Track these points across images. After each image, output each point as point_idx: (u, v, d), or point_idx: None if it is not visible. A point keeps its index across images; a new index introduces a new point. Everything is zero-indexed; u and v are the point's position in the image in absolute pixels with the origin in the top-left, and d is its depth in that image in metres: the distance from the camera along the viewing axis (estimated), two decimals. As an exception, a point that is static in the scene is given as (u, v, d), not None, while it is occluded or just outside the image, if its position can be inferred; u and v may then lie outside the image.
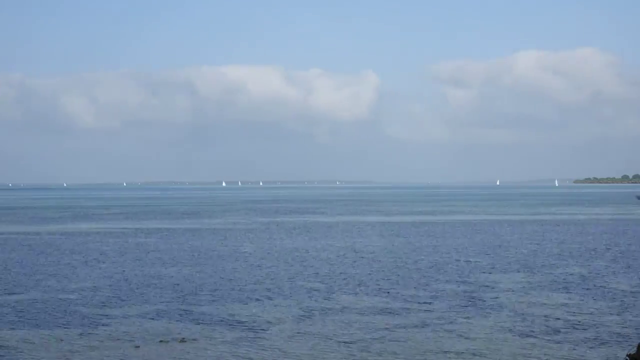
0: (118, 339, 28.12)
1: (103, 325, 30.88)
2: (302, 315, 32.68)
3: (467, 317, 31.99)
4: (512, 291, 38.97)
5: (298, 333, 29.21)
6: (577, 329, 29.62)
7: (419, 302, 35.74)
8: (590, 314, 32.67)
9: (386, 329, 29.82)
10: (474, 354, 25.86)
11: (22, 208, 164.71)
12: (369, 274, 46.16)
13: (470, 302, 35.61)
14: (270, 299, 37.08)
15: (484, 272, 46.47)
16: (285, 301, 36.31)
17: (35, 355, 26.13)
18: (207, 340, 28.11)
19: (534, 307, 34.25)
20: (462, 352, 26.09)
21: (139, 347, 27.03)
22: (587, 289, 39.44)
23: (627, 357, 22.36)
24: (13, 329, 30.34)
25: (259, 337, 28.54)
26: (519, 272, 46.77)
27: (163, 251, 61.35)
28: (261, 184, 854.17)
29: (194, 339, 28.04)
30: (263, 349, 26.74)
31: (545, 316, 32.17)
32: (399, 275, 45.47)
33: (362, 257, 55.53)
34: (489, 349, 26.57)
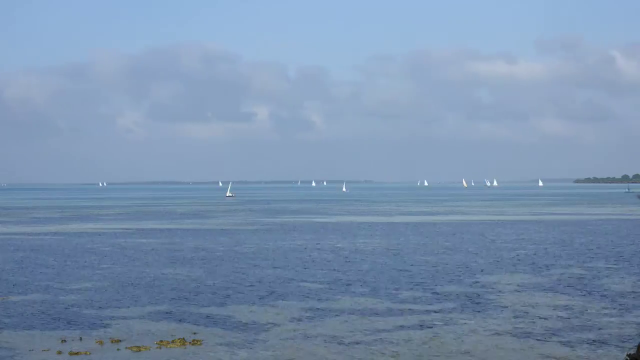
0: (118, 340, 28.12)
1: (103, 326, 30.89)
2: (302, 316, 32.68)
3: (468, 318, 31.99)
4: (512, 292, 38.97)
5: (298, 334, 29.21)
6: (577, 329, 29.62)
7: (418, 303, 35.74)
8: (591, 314, 32.67)
9: (387, 329, 29.82)
10: (474, 355, 25.86)
11: None
12: (370, 274, 46.17)
13: (470, 303, 35.61)
14: (270, 299, 37.08)
15: (483, 273, 46.47)
16: (286, 302, 36.31)
17: (36, 356, 26.14)
18: (208, 341, 28.11)
19: (534, 308, 34.25)
20: (463, 353, 26.09)
21: (139, 348, 27.03)
22: (588, 289, 39.45)
23: (627, 357, 22.37)
24: (13, 329, 30.35)
25: (260, 338, 28.54)
26: (519, 272, 46.77)
27: (163, 252, 61.36)
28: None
29: (194, 340, 28.04)
30: (263, 350, 26.74)
31: (546, 316, 32.17)
32: (398, 275, 45.48)
33: (363, 257, 55.57)
34: (489, 349, 26.58)
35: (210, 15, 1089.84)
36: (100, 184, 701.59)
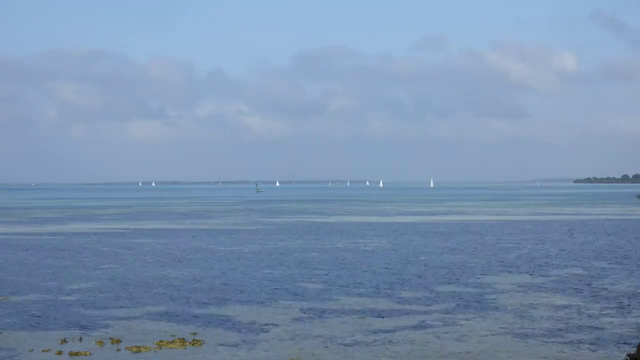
0: (118, 340, 28.11)
1: (103, 326, 30.89)
2: (302, 316, 32.68)
3: (467, 318, 32.00)
4: (512, 292, 38.98)
5: (298, 334, 29.21)
6: (577, 329, 29.62)
7: (418, 304, 35.75)
8: (591, 314, 32.67)
9: (387, 329, 29.83)
10: (473, 355, 25.85)
11: None
12: (370, 274, 46.18)
13: (470, 303, 35.61)
14: (270, 299, 37.08)
15: (483, 273, 46.48)
16: (286, 302, 36.31)
17: (36, 356, 26.14)
18: (208, 341, 28.11)
19: (533, 308, 34.26)
20: (462, 353, 26.09)
21: (139, 348, 27.03)
22: (587, 289, 39.44)
23: (627, 357, 22.39)
24: (13, 329, 30.35)
25: (260, 338, 28.55)
26: (518, 272, 46.78)
27: (163, 252, 61.38)
28: None
29: (194, 340, 28.04)
30: (263, 350, 26.74)
31: (546, 316, 32.17)
32: (398, 275, 45.49)
33: (363, 258, 55.58)
34: (489, 349, 26.58)
35: (96, 15, 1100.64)
36: (140, 183, 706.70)
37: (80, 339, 28.44)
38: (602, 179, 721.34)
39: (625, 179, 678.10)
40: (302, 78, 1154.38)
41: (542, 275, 45.11)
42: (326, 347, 27.10)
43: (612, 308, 34.07)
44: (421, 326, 30.41)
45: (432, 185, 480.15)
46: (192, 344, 27.55)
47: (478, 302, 35.94)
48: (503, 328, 29.94)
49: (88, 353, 26.34)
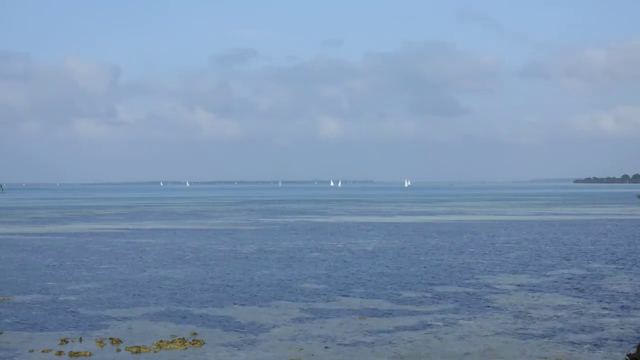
0: (118, 340, 28.12)
1: (103, 326, 30.89)
2: (302, 317, 32.69)
3: (467, 318, 32.00)
4: (512, 292, 38.99)
5: (298, 334, 29.22)
6: (577, 329, 29.63)
7: (418, 304, 35.76)
8: (591, 314, 32.68)
9: (387, 329, 29.84)
10: (474, 355, 25.86)
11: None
12: (370, 274, 46.19)
13: (470, 303, 35.62)
14: (270, 299, 37.10)
15: (483, 273, 46.49)
16: (286, 302, 36.32)
17: (36, 356, 26.15)
18: (208, 341, 28.12)
19: (534, 308, 34.27)
20: (462, 354, 26.09)
21: (139, 348, 27.04)
22: (588, 290, 39.46)
23: (627, 357, 22.41)
24: (13, 329, 30.35)
25: (260, 339, 28.56)
26: (519, 272, 46.79)
27: (163, 252, 61.38)
28: None
29: (194, 340, 28.05)
30: (263, 350, 26.75)
31: (546, 316, 32.18)
32: (398, 275, 45.51)
33: (362, 258, 55.59)
34: (489, 349, 26.58)
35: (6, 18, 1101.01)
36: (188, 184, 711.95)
37: (80, 339, 28.44)
38: (602, 179, 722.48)
39: (625, 179, 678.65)
40: (226, 78, 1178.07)
41: (542, 275, 45.12)
42: (326, 347, 27.11)
43: (612, 308, 34.08)
44: (421, 326, 30.41)
45: (407, 185, 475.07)
46: (192, 344, 27.55)
47: (478, 302, 35.95)
48: (503, 328, 29.95)
49: (88, 353, 26.35)
